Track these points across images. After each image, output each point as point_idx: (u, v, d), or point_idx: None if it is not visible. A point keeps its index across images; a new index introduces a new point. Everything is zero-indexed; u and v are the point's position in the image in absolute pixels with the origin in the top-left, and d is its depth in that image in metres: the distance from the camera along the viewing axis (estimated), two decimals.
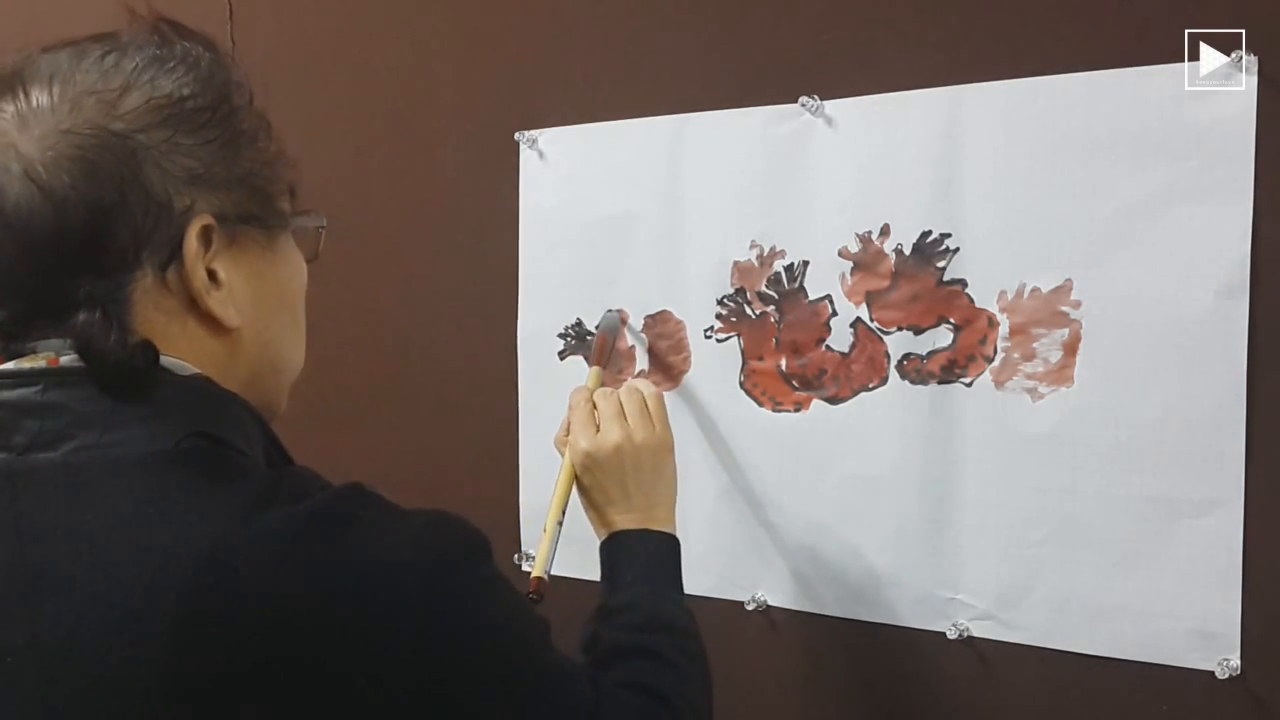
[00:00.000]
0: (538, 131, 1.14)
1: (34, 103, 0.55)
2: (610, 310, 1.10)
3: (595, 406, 0.91)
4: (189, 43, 0.61)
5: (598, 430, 0.88)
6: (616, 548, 0.85)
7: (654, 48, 1.06)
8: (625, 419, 0.89)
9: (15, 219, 0.54)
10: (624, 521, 0.86)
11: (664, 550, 0.85)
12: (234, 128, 0.60)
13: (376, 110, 1.24)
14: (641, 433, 0.88)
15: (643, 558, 0.84)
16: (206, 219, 0.58)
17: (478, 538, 0.58)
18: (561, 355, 1.15)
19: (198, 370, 0.59)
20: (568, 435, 0.91)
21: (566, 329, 1.14)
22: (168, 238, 0.56)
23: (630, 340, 1.10)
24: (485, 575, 0.58)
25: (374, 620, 0.51)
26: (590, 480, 0.87)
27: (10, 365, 0.56)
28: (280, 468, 0.61)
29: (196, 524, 0.51)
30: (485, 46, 1.16)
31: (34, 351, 0.56)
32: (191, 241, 0.57)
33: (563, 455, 0.91)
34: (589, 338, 1.12)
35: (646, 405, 0.91)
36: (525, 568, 1.19)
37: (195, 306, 0.58)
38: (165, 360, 0.57)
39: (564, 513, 0.88)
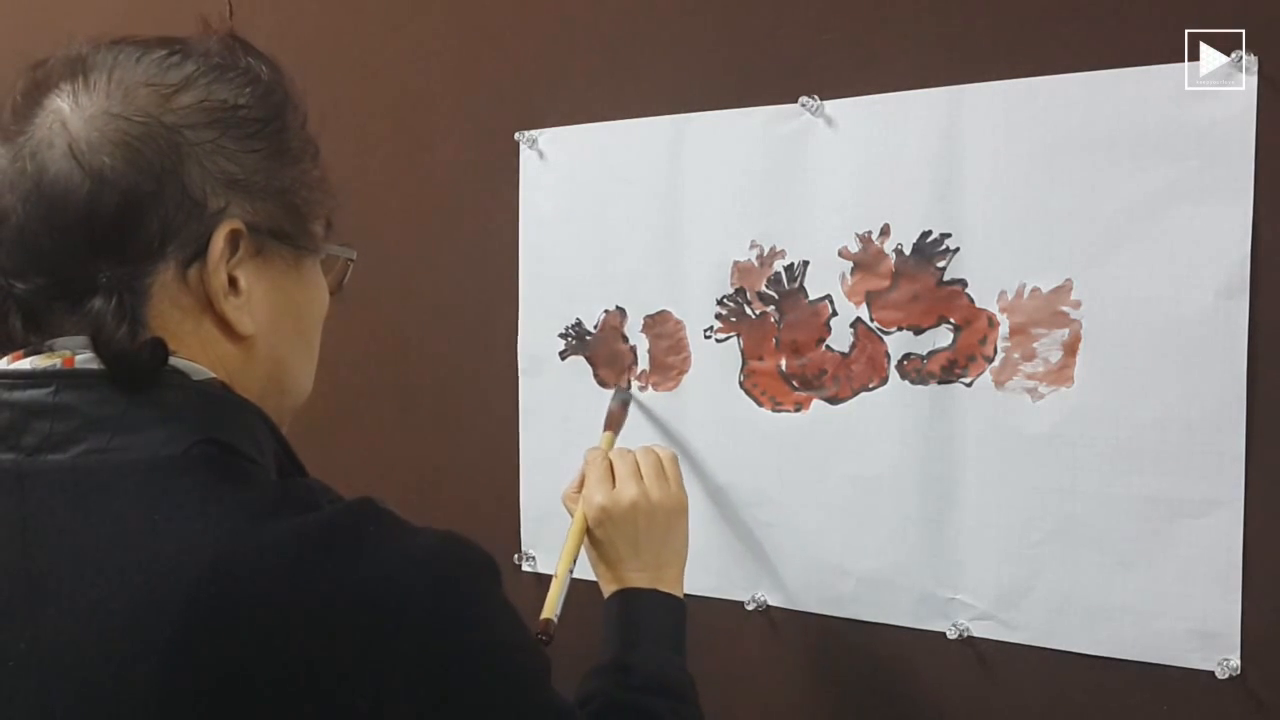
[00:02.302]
0: (538, 131, 1.14)
1: (91, 85, 0.56)
2: (620, 387, 1.10)
3: (611, 464, 0.91)
4: (254, 59, 0.62)
5: (613, 487, 0.88)
6: (623, 605, 0.84)
7: (654, 48, 1.06)
8: (641, 478, 0.89)
9: (51, 193, 0.55)
10: (634, 579, 0.85)
11: (670, 613, 0.85)
12: (281, 144, 0.61)
13: (376, 110, 1.24)
14: (657, 491, 0.88)
15: (649, 618, 0.84)
16: (236, 224, 0.58)
17: (486, 561, 0.57)
18: (562, 355, 1.15)
19: (212, 375, 0.58)
20: (578, 492, 0.91)
21: (566, 329, 1.14)
22: (195, 235, 0.57)
23: (630, 341, 1.10)
24: (490, 600, 0.57)
25: (375, 637, 0.51)
26: (603, 535, 0.87)
27: (26, 364, 0.56)
28: (291, 478, 0.60)
29: (202, 532, 0.51)
30: (485, 46, 1.17)
31: (50, 349, 0.56)
32: (218, 243, 0.57)
33: (570, 512, 0.91)
34: (589, 338, 1.12)
35: (663, 466, 0.91)
36: (525, 567, 1.19)
37: (212, 308, 0.58)
38: (180, 363, 0.57)
39: (575, 561, 0.88)
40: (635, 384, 1.10)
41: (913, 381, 0.97)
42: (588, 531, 0.88)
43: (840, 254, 0.99)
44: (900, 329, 0.97)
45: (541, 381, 1.16)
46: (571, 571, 0.87)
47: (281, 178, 0.61)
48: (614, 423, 1.06)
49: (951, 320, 0.95)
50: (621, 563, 0.86)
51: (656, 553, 0.87)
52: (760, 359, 1.04)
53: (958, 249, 0.94)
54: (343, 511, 0.55)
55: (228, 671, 0.49)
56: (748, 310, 1.04)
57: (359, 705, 0.50)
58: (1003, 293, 0.92)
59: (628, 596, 0.85)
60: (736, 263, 1.04)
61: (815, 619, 1.04)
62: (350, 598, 0.51)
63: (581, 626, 0.86)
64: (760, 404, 1.04)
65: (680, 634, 0.85)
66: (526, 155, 1.15)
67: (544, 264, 1.15)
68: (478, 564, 0.57)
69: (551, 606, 0.85)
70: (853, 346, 0.99)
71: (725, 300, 1.05)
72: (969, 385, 0.94)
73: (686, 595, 0.88)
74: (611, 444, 1.01)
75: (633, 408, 1.09)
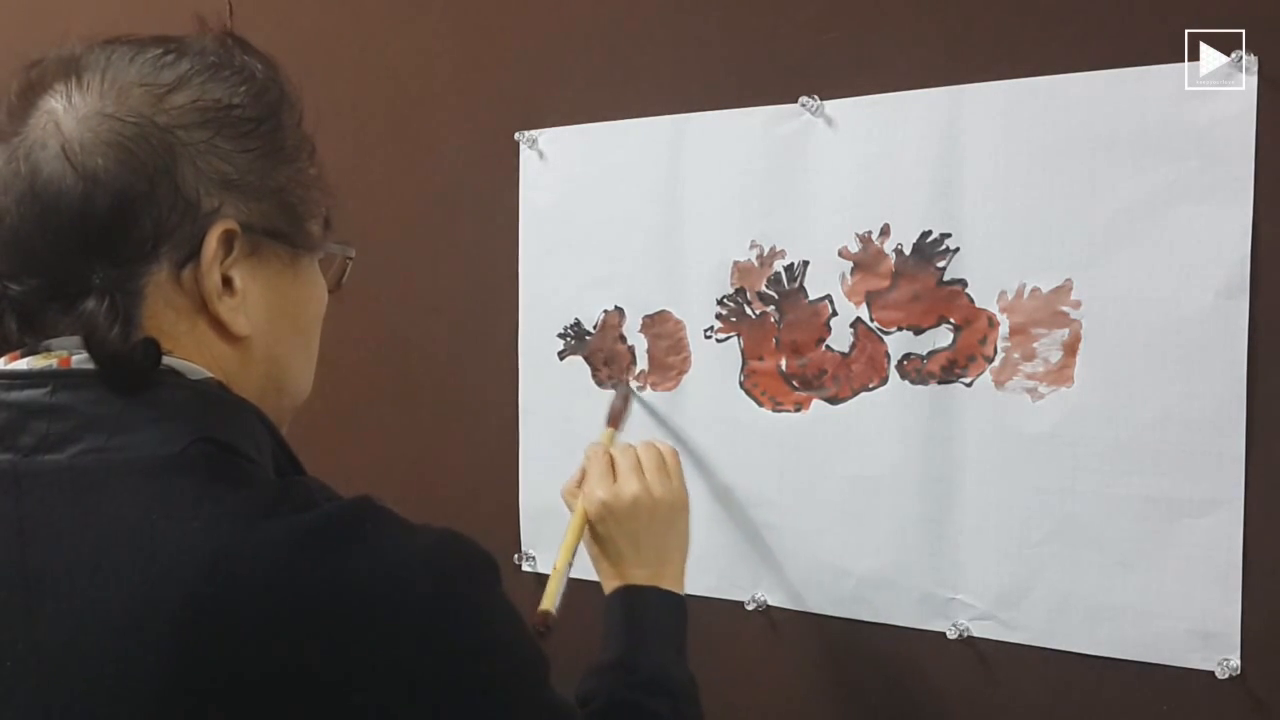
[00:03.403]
0: (538, 131, 1.14)
1: (85, 85, 0.56)
2: (621, 382, 1.10)
3: (612, 459, 0.90)
4: (250, 58, 0.61)
5: (615, 482, 0.88)
6: (624, 602, 0.84)
7: (654, 48, 1.06)
8: (643, 473, 0.88)
9: (45, 194, 0.55)
10: (634, 576, 0.85)
11: (672, 611, 0.85)
12: (276, 143, 0.61)
13: (376, 110, 1.24)
14: (659, 488, 0.88)
15: (650, 616, 0.83)
16: (230, 224, 0.58)
17: (485, 559, 0.57)
18: (561, 355, 1.15)
19: (209, 375, 0.58)
20: (578, 487, 0.91)
21: (566, 329, 1.14)
22: (189, 236, 0.57)
23: (630, 341, 1.10)
24: (490, 598, 0.56)
25: (373, 635, 0.51)
26: (604, 530, 0.87)
27: (22, 364, 0.56)
28: (289, 477, 0.60)
29: (200, 531, 0.51)
30: (485, 46, 1.16)
31: (47, 349, 0.56)
32: (211, 243, 0.57)
33: (570, 507, 0.91)
34: (588, 338, 1.12)
35: (664, 461, 0.90)
36: (525, 567, 1.19)
37: (207, 309, 0.58)
38: (177, 363, 0.57)
39: (574, 555, 0.88)
40: (634, 384, 1.11)
41: (913, 381, 0.97)
42: (589, 527, 0.88)
43: (840, 254, 0.99)
44: (900, 329, 0.97)
45: (541, 381, 1.16)
46: (570, 565, 0.87)
47: (276, 177, 0.60)
48: (615, 418, 1.05)
49: (951, 320, 0.95)
50: (623, 559, 0.86)
51: (658, 549, 0.86)
52: (760, 359, 1.04)
53: (958, 249, 0.93)
54: (341, 510, 0.54)
55: (226, 670, 0.49)
56: (748, 310, 1.04)
57: (357, 702, 0.50)
58: (1003, 293, 0.92)
59: (629, 594, 0.84)
60: (736, 263, 1.04)
61: (815, 619, 1.04)
62: (349, 595, 0.51)
63: (581, 626, 0.86)
64: (760, 404, 1.04)
65: (682, 632, 0.84)
66: (526, 155, 1.15)
67: (543, 264, 1.15)
68: (477, 561, 0.56)
69: (550, 599, 0.85)
70: (853, 346, 0.99)
71: (725, 300, 1.05)
72: (969, 385, 0.94)
73: (687, 595, 0.87)
74: (613, 439, 1.01)
75: (634, 406, 1.09)
